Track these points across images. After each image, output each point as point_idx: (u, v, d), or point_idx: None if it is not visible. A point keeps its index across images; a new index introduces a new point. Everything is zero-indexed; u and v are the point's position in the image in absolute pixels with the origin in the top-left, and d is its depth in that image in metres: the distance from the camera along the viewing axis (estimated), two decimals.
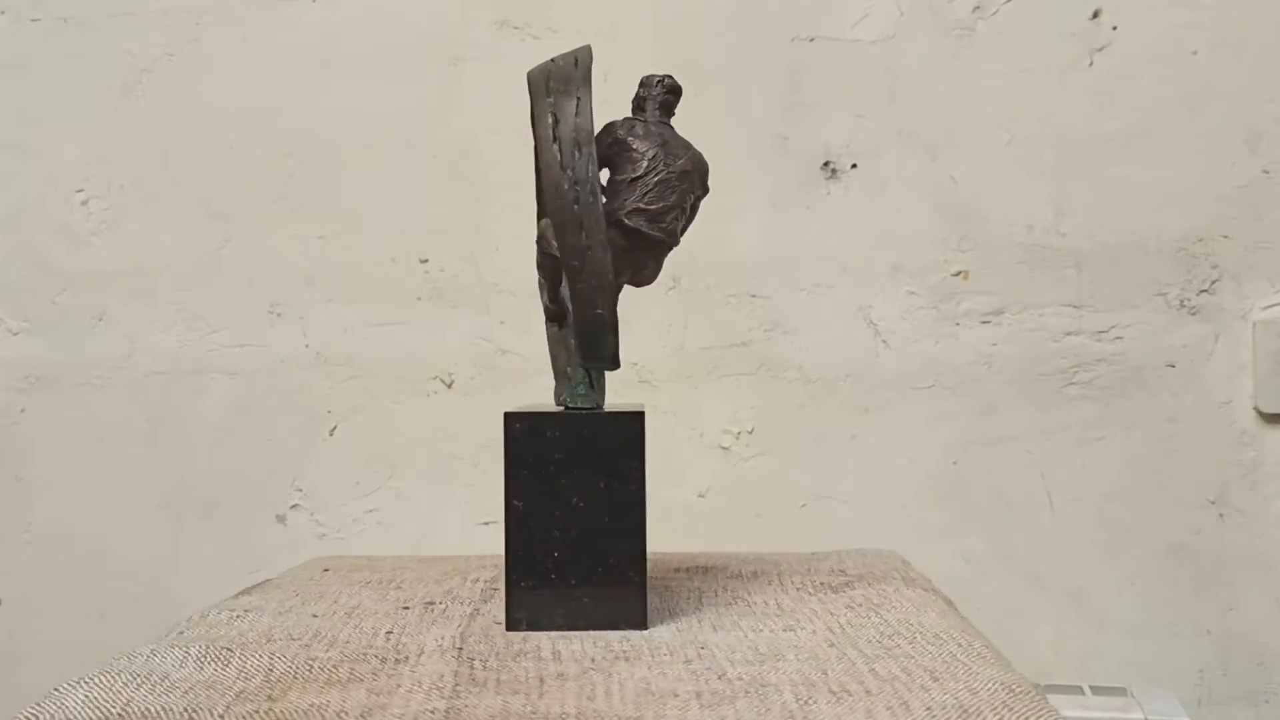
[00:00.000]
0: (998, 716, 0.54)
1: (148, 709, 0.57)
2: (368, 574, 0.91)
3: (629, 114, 0.76)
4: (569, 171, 0.70)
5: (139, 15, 1.37)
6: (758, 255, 1.32)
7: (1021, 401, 1.29)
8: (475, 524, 1.31)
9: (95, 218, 1.38)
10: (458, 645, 0.67)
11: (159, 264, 1.38)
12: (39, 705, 0.58)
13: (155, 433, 1.38)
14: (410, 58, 1.35)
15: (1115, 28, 1.28)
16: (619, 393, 1.25)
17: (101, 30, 1.38)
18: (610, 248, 0.71)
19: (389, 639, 0.69)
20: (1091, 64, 1.28)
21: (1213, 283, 1.27)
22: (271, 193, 1.37)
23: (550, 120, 0.71)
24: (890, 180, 1.30)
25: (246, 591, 0.86)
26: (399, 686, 0.60)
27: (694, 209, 0.77)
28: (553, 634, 0.69)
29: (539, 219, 0.76)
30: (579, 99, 0.71)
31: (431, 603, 0.78)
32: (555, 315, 0.78)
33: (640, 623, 0.71)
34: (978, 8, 1.29)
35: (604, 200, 0.72)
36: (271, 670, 0.63)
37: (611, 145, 0.74)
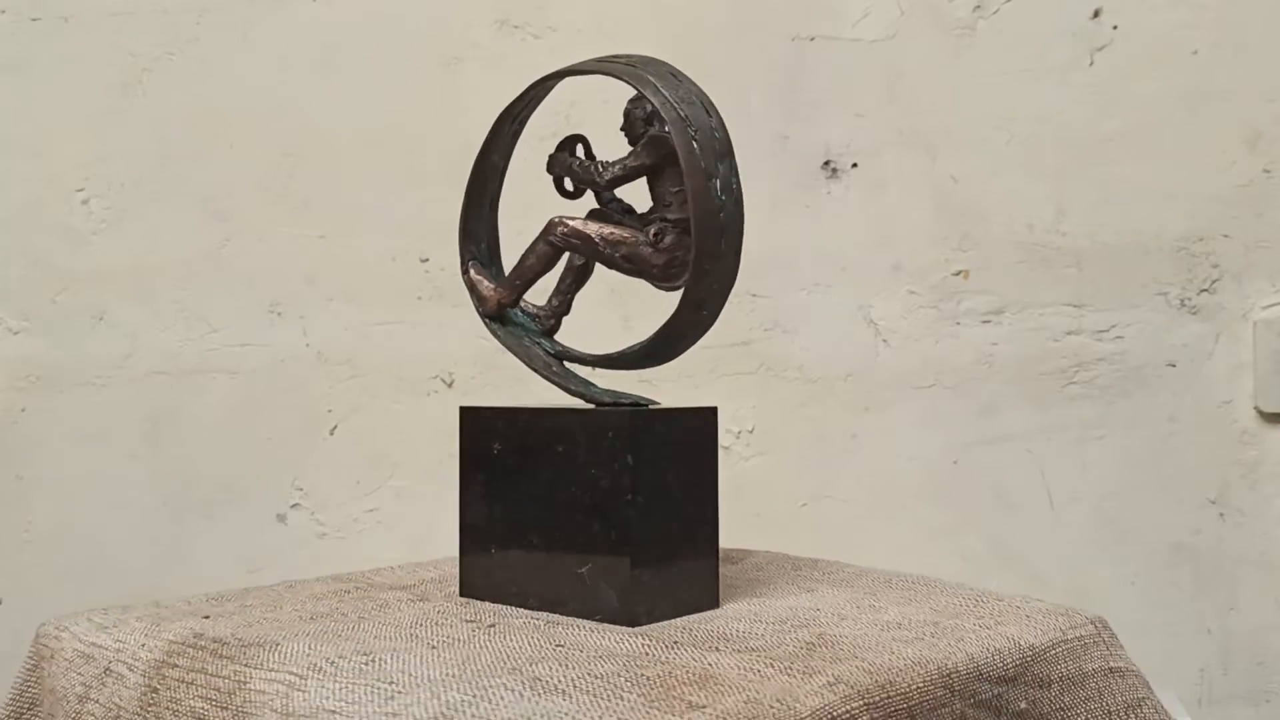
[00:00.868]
0: None
1: None
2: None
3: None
4: (714, 181, 0.72)
5: (139, 15, 1.38)
6: (758, 254, 1.31)
7: (1022, 401, 1.29)
8: None
9: (96, 217, 1.38)
10: None
11: (159, 263, 1.38)
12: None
13: (155, 432, 1.38)
14: (410, 57, 1.35)
15: (1116, 27, 1.28)
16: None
17: (102, 30, 1.38)
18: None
19: None
20: (1092, 63, 1.28)
21: (1213, 282, 1.26)
22: (272, 192, 1.37)
23: (689, 129, 0.72)
24: (891, 180, 1.30)
25: None
26: None
27: None
28: None
29: (557, 223, 0.77)
30: (708, 110, 0.74)
31: None
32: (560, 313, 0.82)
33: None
34: (978, 7, 1.29)
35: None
36: None
37: (667, 155, 0.74)
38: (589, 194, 0.80)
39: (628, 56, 0.76)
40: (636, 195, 0.78)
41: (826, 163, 1.31)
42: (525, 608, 0.74)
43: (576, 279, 0.81)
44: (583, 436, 0.72)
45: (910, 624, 0.70)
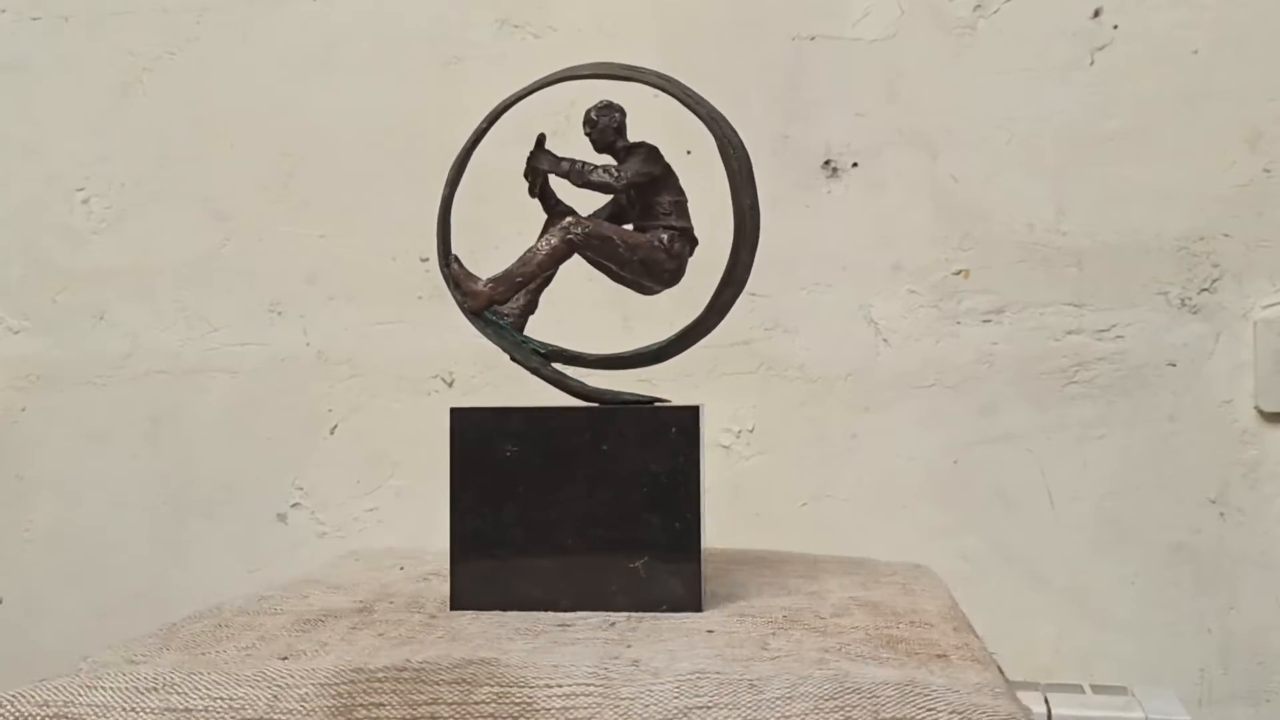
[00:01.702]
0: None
1: None
2: None
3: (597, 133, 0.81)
4: (746, 197, 0.80)
5: (139, 14, 1.38)
6: (758, 254, 1.32)
7: (1022, 400, 1.29)
8: None
9: (96, 216, 1.38)
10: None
11: (160, 263, 1.38)
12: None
13: (156, 431, 1.38)
14: (411, 57, 1.35)
15: (1116, 26, 1.27)
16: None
17: (102, 29, 1.38)
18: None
19: None
20: (1092, 63, 1.28)
21: (1213, 281, 1.26)
22: (272, 191, 1.37)
23: (731, 149, 0.79)
24: (891, 179, 1.30)
25: None
26: None
27: None
28: None
29: (575, 222, 0.77)
30: (732, 128, 0.80)
31: None
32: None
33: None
34: (978, 6, 1.29)
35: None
36: None
37: (665, 166, 0.80)
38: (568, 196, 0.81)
39: (636, 68, 0.78)
40: (573, 195, 0.77)
41: (827, 162, 1.31)
42: (555, 610, 0.73)
43: (547, 279, 0.81)
44: (635, 432, 0.74)
45: None
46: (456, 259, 0.79)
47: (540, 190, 0.81)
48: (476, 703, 0.56)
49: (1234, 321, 1.26)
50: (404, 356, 1.35)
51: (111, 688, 0.58)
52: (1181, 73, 1.26)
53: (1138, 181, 1.27)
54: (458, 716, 0.56)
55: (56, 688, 0.58)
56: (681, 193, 0.81)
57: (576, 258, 0.78)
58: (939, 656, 0.64)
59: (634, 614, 0.72)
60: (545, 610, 0.73)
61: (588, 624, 0.70)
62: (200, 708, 0.56)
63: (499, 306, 0.80)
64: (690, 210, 0.81)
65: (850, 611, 0.74)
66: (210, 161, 1.37)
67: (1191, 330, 1.27)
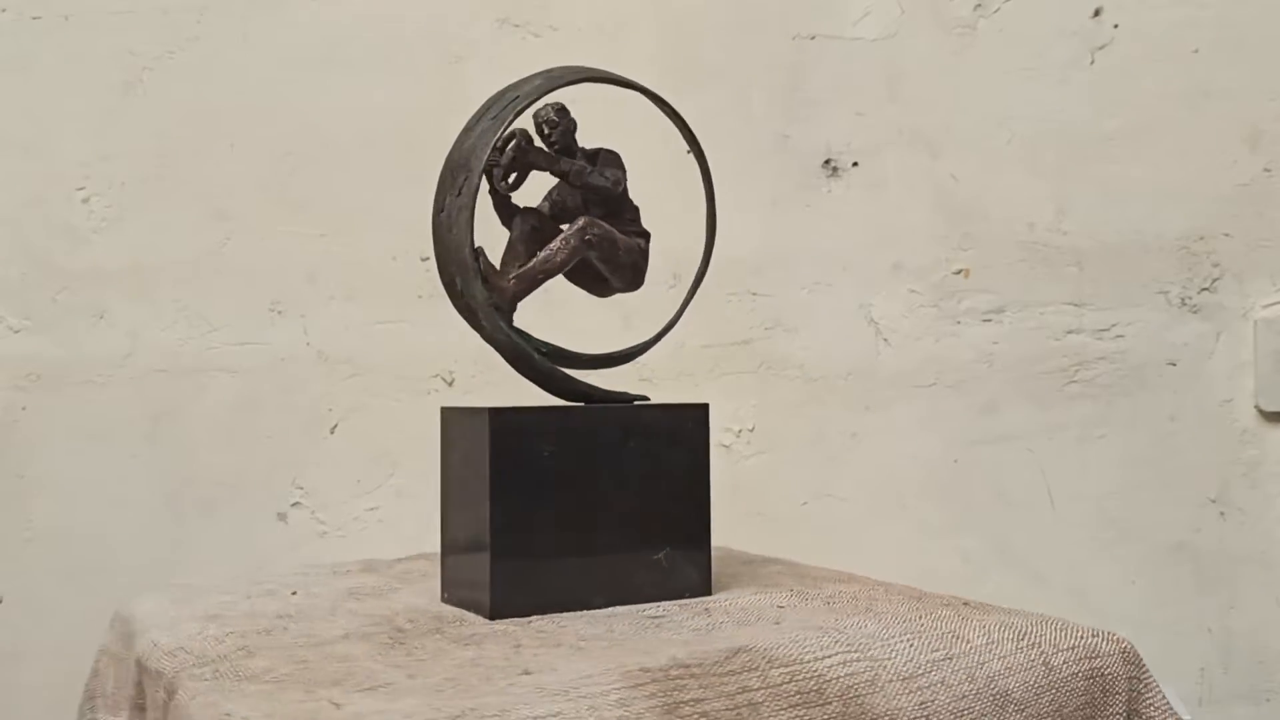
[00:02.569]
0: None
1: None
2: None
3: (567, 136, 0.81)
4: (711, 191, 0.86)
5: (140, 13, 1.37)
6: (758, 253, 1.32)
7: (1022, 400, 1.29)
8: None
9: (96, 215, 1.38)
10: None
11: (160, 262, 1.38)
12: None
13: (156, 431, 1.38)
14: (411, 56, 1.35)
15: (1116, 26, 1.28)
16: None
17: (102, 28, 1.38)
18: None
19: None
20: (1093, 62, 1.28)
21: (1214, 281, 1.26)
22: (272, 191, 1.37)
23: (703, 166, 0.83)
24: (891, 178, 1.30)
25: None
26: None
27: None
28: None
29: (591, 224, 0.78)
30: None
31: None
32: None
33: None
34: (979, 6, 1.29)
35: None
36: None
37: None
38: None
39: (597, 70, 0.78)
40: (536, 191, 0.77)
41: (827, 161, 1.31)
42: (590, 608, 0.73)
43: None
44: (658, 430, 0.77)
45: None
46: (481, 251, 0.77)
47: (514, 186, 0.80)
48: (778, 685, 0.58)
49: (1234, 321, 1.26)
50: (404, 356, 1.35)
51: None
52: (1182, 72, 1.26)
53: (1138, 181, 1.27)
54: (771, 699, 0.58)
55: None
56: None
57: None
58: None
59: (665, 602, 0.75)
60: (581, 609, 0.73)
61: (673, 615, 0.72)
62: None
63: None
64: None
65: (829, 580, 0.80)
66: (210, 161, 1.37)
67: (1192, 330, 1.27)
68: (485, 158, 0.75)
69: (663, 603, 0.75)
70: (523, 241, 0.79)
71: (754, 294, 1.32)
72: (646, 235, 0.82)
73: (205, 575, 1.34)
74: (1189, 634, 1.26)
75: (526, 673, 0.59)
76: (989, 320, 1.29)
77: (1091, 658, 0.69)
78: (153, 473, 1.37)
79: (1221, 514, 1.26)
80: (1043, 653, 0.67)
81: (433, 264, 1.36)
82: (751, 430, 1.32)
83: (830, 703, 0.58)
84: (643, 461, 0.76)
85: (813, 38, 1.31)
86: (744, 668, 0.59)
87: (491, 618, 0.71)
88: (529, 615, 0.72)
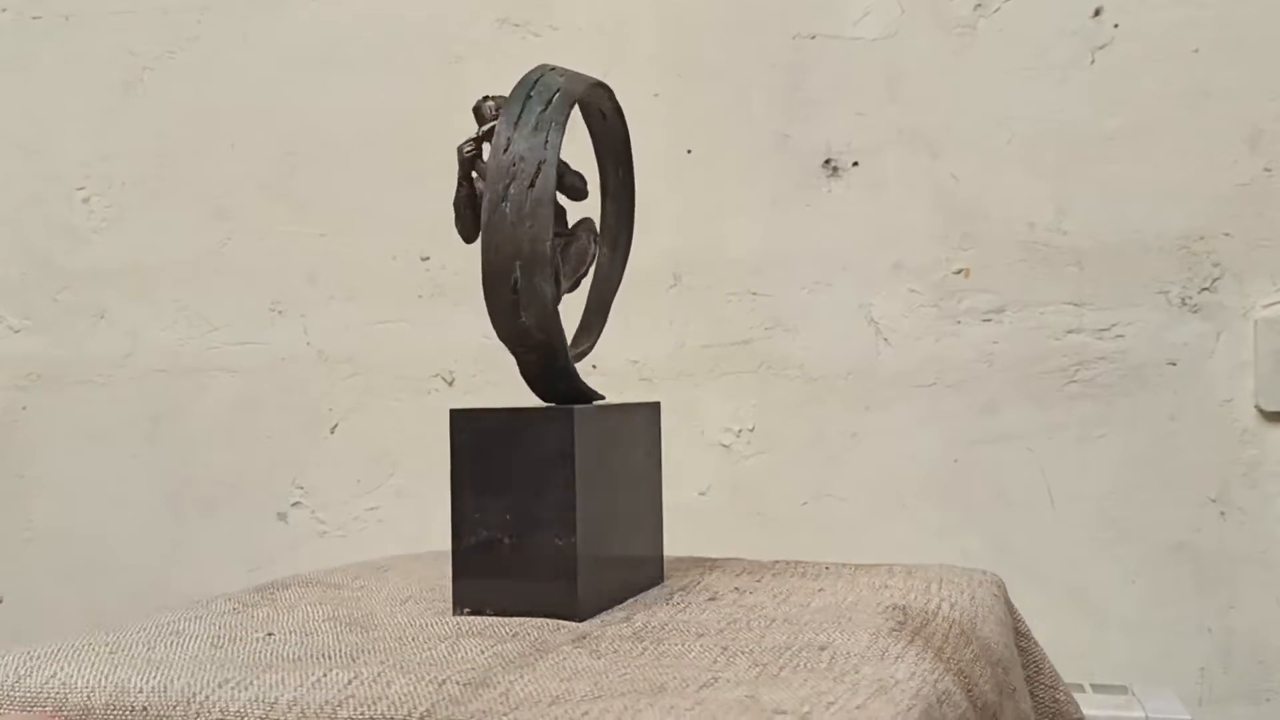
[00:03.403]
0: None
1: None
2: None
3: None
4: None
5: (140, 13, 1.38)
6: (758, 253, 1.32)
7: (1022, 399, 1.29)
8: None
9: (96, 215, 1.38)
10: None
11: (160, 262, 1.38)
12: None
13: (156, 430, 1.38)
14: (411, 56, 1.35)
15: (1117, 25, 1.27)
16: (620, 390, 1.26)
17: (103, 28, 1.38)
18: None
19: None
20: (1093, 62, 1.28)
21: (1214, 281, 1.26)
22: (272, 190, 1.37)
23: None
24: (891, 178, 1.30)
25: None
26: None
27: None
28: None
29: (592, 221, 0.79)
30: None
31: None
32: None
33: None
34: (979, 5, 1.29)
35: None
36: None
37: None
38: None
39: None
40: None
41: (827, 161, 1.31)
42: (621, 604, 0.74)
43: None
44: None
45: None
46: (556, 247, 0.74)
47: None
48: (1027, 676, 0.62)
49: (1234, 321, 1.26)
50: (404, 355, 1.35)
51: None
52: (1182, 72, 1.26)
53: (1138, 180, 1.27)
54: (1028, 689, 0.62)
55: None
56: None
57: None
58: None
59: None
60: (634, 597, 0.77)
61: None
62: None
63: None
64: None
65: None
66: (211, 160, 1.37)
67: (1192, 329, 1.26)
68: (557, 152, 0.72)
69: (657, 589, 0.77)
70: None
71: (754, 294, 1.32)
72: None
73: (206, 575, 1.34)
74: (1189, 634, 1.26)
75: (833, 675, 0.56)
76: (989, 320, 1.29)
77: None
78: (153, 473, 1.37)
79: (1221, 514, 1.26)
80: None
81: (432, 262, 1.36)
82: (751, 430, 1.32)
83: None
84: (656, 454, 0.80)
85: (813, 37, 1.31)
86: (977, 657, 0.64)
87: (580, 620, 0.70)
88: (603, 611, 0.72)
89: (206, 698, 0.54)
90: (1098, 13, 1.28)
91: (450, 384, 1.35)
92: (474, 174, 0.77)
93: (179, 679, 0.55)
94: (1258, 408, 1.26)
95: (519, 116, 0.73)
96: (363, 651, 0.62)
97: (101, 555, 1.38)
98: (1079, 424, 1.28)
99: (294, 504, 1.37)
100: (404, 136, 1.35)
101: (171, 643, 0.63)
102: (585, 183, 0.77)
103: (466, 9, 1.35)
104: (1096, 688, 1.14)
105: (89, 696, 0.55)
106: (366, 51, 1.36)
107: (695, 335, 1.32)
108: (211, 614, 0.72)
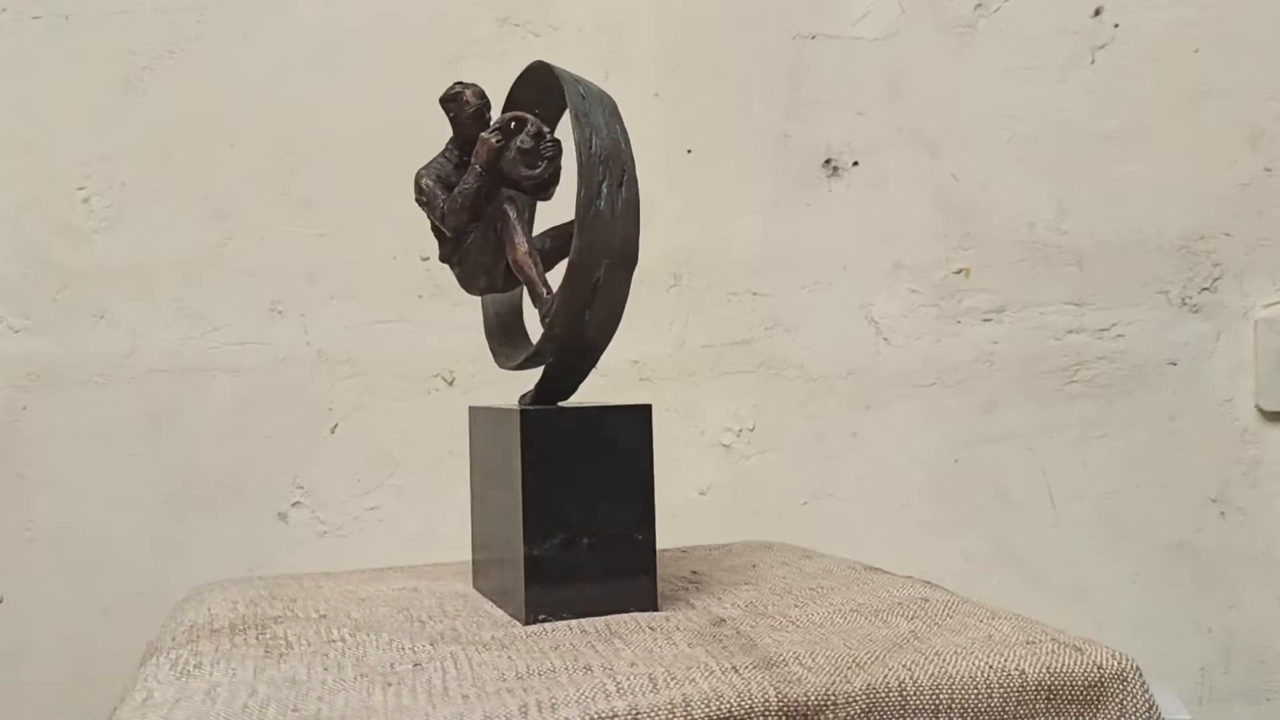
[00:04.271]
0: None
1: None
2: None
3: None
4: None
5: (140, 13, 1.37)
6: (759, 253, 1.32)
7: (1023, 399, 1.29)
8: None
9: (97, 215, 1.38)
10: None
11: (160, 261, 1.38)
12: None
13: (157, 430, 1.38)
14: (411, 55, 1.35)
15: (1117, 25, 1.27)
16: (621, 390, 1.26)
17: (103, 28, 1.38)
18: None
19: None
20: (1093, 62, 1.28)
21: (1214, 280, 1.26)
22: (273, 190, 1.37)
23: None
24: (891, 178, 1.30)
25: None
26: None
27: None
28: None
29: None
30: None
31: None
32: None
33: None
34: (979, 5, 1.29)
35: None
36: None
37: None
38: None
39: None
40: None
41: (827, 161, 1.31)
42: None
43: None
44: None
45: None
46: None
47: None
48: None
49: (1235, 320, 1.26)
50: (405, 355, 1.35)
51: None
52: (1182, 72, 1.26)
53: (1138, 180, 1.27)
54: None
55: None
56: None
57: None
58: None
59: None
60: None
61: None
62: None
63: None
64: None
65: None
66: (211, 160, 1.37)
67: (1192, 329, 1.27)
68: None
69: None
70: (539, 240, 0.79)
71: (754, 294, 1.32)
72: None
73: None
74: (1189, 634, 1.26)
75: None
76: (989, 320, 1.29)
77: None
78: (153, 472, 1.37)
79: (1222, 514, 1.26)
80: None
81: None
82: (751, 430, 1.32)
83: None
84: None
85: (813, 37, 1.31)
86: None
87: (660, 609, 0.72)
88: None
89: None
90: (1098, 13, 1.28)
91: (450, 384, 1.35)
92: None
93: None
94: (1258, 408, 1.26)
95: (586, 114, 0.72)
96: (609, 663, 0.61)
97: (102, 555, 1.38)
98: (1079, 424, 1.28)
99: (294, 504, 1.37)
100: (404, 137, 1.35)
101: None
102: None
103: (466, 9, 1.35)
104: None
105: None
106: (366, 51, 1.36)
107: (695, 335, 1.32)
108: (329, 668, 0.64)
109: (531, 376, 0.81)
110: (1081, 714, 0.59)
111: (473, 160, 0.77)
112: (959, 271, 1.30)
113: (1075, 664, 0.61)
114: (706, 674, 0.58)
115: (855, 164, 1.31)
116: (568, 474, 0.71)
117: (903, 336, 1.30)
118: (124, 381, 1.38)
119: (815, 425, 1.31)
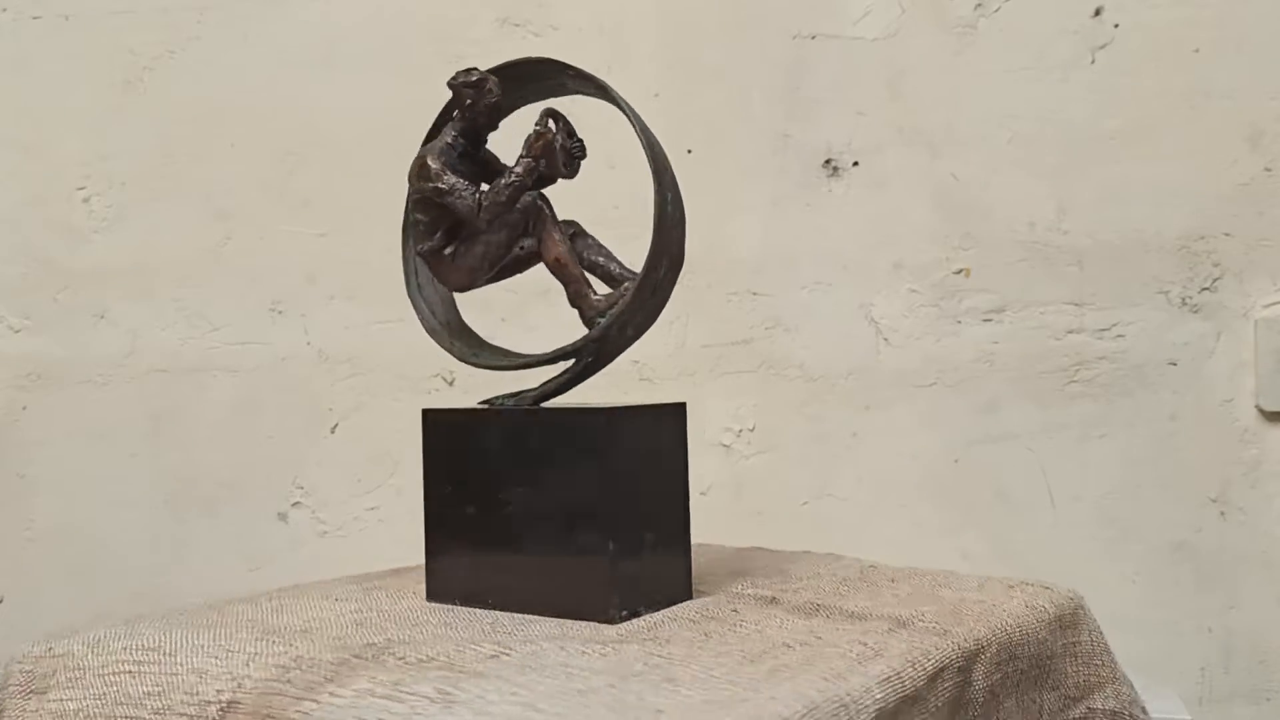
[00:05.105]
0: None
1: None
2: None
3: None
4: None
5: (140, 13, 1.38)
6: (759, 253, 1.32)
7: (1023, 399, 1.29)
8: None
9: (97, 215, 1.38)
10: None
11: (160, 261, 1.38)
12: None
13: (157, 430, 1.38)
14: (411, 55, 1.35)
15: (1117, 25, 1.27)
16: (622, 390, 1.26)
17: (103, 28, 1.38)
18: None
19: None
20: (1093, 61, 1.28)
21: (1214, 280, 1.26)
22: (273, 190, 1.37)
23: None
24: (891, 178, 1.30)
25: None
26: None
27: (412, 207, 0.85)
28: None
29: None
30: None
31: None
32: None
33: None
34: (979, 5, 1.29)
35: None
36: None
37: None
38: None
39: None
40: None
41: (827, 161, 1.31)
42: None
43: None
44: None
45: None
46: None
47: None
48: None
49: (1235, 320, 1.26)
50: (404, 355, 1.35)
51: None
52: (1182, 71, 1.26)
53: (1138, 180, 1.27)
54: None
55: None
56: None
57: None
58: None
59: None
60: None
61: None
62: None
63: None
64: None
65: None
66: (211, 160, 1.37)
67: (1192, 329, 1.27)
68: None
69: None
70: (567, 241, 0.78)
71: (754, 294, 1.32)
72: None
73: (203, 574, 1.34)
74: (1189, 633, 1.26)
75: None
76: (989, 320, 1.29)
77: None
78: (153, 473, 1.37)
79: (1222, 514, 1.26)
80: None
81: None
82: (752, 430, 1.32)
83: None
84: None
85: (813, 37, 1.31)
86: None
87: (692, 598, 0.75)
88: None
89: None
90: (1098, 12, 1.28)
91: (450, 384, 1.35)
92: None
93: None
94: (1258, 408, 1.26)
95: (636, 119, 0.73)
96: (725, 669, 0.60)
97: (102, 555, 1.38)
98: (1079, 424, 1.28)
99: (294, 504, 1.37)
100: (404, 136, 1.35)
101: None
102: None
103: (466, 9, 1.35)
104: None
105: None
106: (366, 51, 1.36)
107: (696, 335, 1.32)
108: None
109: (513, 378, 0.81)
110: (1067, 632, 0.77)
111: (525, 153, 0.75)
112: (959, 271, 1.30)
113: (1057, 598, 0.79)
114: (876, 635, 0.65)
115: (855, 164, 1.31)
116: (631, 473, 0.72)
117: (903, 336, 1.30)
118: (124, 381, 1.38)
119: (815, 425, 1.31)
